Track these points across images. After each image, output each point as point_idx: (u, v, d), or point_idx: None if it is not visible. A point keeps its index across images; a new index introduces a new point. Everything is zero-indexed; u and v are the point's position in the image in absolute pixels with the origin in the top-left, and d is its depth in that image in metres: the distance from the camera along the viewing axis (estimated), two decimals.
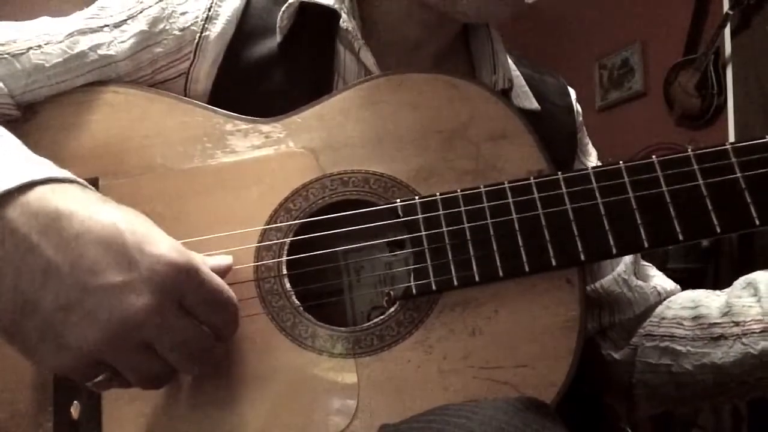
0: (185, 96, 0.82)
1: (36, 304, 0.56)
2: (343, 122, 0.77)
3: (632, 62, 3.73)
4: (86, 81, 0.80)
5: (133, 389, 0.63)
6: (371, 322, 0.71)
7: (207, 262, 0.66)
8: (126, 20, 0.82)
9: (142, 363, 0.60)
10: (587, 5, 3.99)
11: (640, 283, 0.97)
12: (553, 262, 0.69)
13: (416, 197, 0.73)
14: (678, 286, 0.99)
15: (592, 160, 1.01)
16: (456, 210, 0.71)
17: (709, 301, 0.88)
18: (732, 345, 0.81)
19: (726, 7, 3.08)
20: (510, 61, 0.94)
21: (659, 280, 0.99)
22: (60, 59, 0.79)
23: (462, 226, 0.71)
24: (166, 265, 0.58)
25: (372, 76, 0.80)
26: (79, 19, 0.83)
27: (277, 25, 0.84)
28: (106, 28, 0.82)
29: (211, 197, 0.75)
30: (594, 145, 1.04)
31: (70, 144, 0.77)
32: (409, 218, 0.72)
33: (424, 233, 0.71)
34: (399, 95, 0.77)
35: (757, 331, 0.79)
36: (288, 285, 0.72)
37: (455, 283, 0.70)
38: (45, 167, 0.62)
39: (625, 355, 0.94)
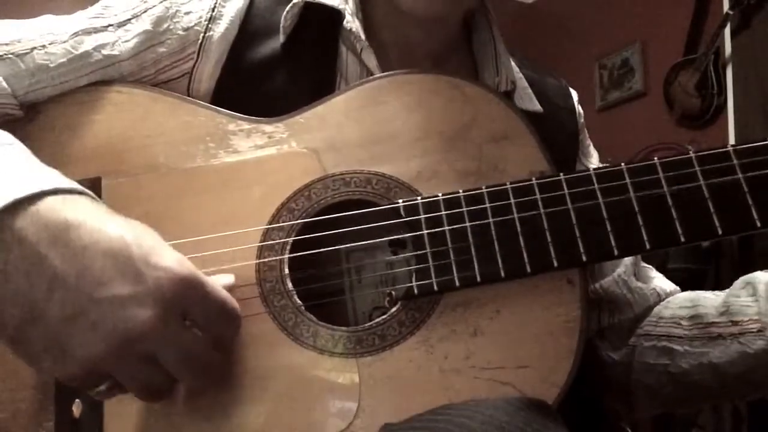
0: (188, 96, 0.82)
1: (42, 313, 0.56)
2: (345, 122, 0.77)
3: (632, 62, 3.73)
4: (90, 81, 0.80)
5: None
6: (373, 322, 0.71)
7: (212, 279, 0.66)
8: (130, 20, 0.82)
9: (145, 374, 0.60)
10: (587, 5, 3.99)
11: (640, 284, 0.97)
12: (555, 263, 0.69)
13: (418, 198, 0.73)
14: (678, 288, 0.99)
15: (594, 161, 1.01)
16: (458, 210, 0.72)
17: (708, 300, 0.88)
18: (729, 344, 0.81)
19: (726, 7, 3.08)
20: (513, 63, 0.94)
21: (659, 281, 0.99)
22: (64, 59, 0.79)
23: (464, 226, 0.71)
24: (171, 278, 0.59)
25: (374, 76, 0.80)
26: (83, 18, 0.83)
27: (281, 24, 0.84)
28: (110, 28, 0.82)
29: (214, 197, 0.75)
30: (594, 145, 1.04)
31: (74, 143, 0.77)
32: (411, 218, 0.72)
33: (426, 234, 0.71)
34: (401, 96, 0.77)
35: (754, 330, 0.79)
36: (290, 284, 0.72)
37: (457, 283, 0.70)
38: (55, 178, 0.63)
39: (623, 355, 0.94)
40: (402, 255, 0.76)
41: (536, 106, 0.92)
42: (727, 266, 2.55)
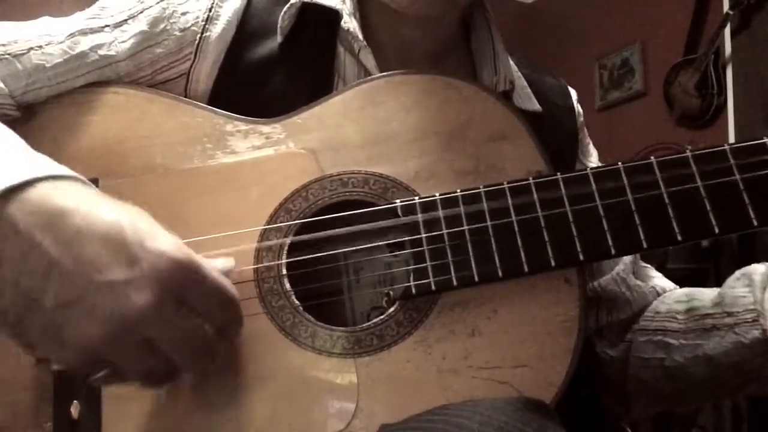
0: (186, 96, 0.83)
1: (38, 300, 0.56)
2: (342, 123, 0.77)
3: (632, 62, 3.73)
4: (87, 81, 0.80)
5: (134, 389, 0.63)
6: (371, 322, 0.71)
7: (210, 263, 0.66)
8: (126, 20, 0.82)
9: (143, 360, 0.60)
10: (587, 5, 3.99)
11: (638, 282, 0.97)
12: (552, 263, 0.69)
13: (416, 198, 0.73)
14: (677, 286, 0.99)
15: (593, 160, 1.01)
16: (455, 210, 0.72)
17: (703, 294, 0.88)
18: (724, 335, 0.80)
19: (726, 7, 3.08)
20: (511, 62, 0.94)
21: (658, 280, 0.99)
22: (61, 59, 0.79)
23: (462, 226, 0.71)
24: (167, 262, 0.58)
25: (372, 77, 0.80)
26: (80, 19, 0.83)
27: (278, 25, 0.84)
28: (107, 29, 0.82)
29: (212, 198, 0.75)
30: (594, 145, 1.04)
31: (71, 144, 0.77)
32: (408, 218, 0.72)
33: (423, 234, 0.71)
34: (398, 96, 0.77)
35: (749, 320, 0.78)
36: (288, 285, 0.72)
37: (454, 283, 0.70)
38: (46, 164, 0.62)
39: (619, 351, 0.94)
40: (400, 254, 0.76)
41: (535, 106, 0.92)
42: (728, 266, 2.55)
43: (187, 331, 0.60)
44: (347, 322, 0.78)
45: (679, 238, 0.69)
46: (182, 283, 0.59)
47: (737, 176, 0.69)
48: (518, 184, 0.72)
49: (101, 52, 0.81)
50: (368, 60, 0.84)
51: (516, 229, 0.70)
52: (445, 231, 0.71)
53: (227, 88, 0.83)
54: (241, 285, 0.71)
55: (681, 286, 0.99)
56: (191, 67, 0.83)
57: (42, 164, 0.62)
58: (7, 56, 0.78)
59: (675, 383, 0.87)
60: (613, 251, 0.69)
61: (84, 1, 0.86)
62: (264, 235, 0.73)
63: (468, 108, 0.77)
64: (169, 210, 0.74)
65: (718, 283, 0.87)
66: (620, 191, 0.70)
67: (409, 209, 0.72)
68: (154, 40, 0.82)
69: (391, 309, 0.71)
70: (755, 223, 0.68)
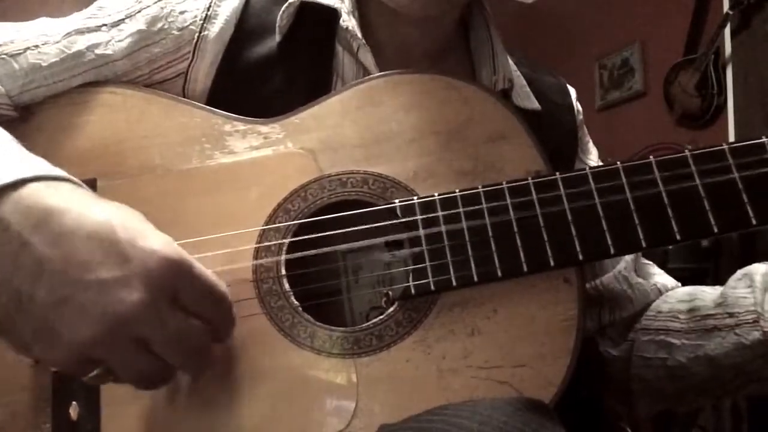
0: (184, 96, 0.83)
1: (30, 299, 0.56)
2: (341, 123, 0.77)
3: (632, 62, 3.73)
4: (84, 80, 0.80)
5: (132, 390, 0.63)
6: (370, 323, 0.71)
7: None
8: (124, 19, 0.82)
9: (136, 359, 0.59)
10: (587, 5, 3.99)
11: (640, 280, 0.97)
12: (552, 262, 0.69)
13: (415, 197, 0.73)
14: (679, 284, 0.99)
15: (593, 158, 1.01)
16: (454, 210, 0.71)
17: (705, 294, 0.88)
18: (725, 336, 0.80)
19: (726, 7, 3.08)
20: (510, 61, 0.94)
21: (660, 278, 0.99)
22: (57, 59, 0.79)
23: (461, 226, 0.71)
24: (158, 261, 0.58)
25: (370, 76, 0.80)
26: (77, 19, 0.83)
27: (277, 24, 0.84)
28: (103, 28, 0.82)
29: (210, 198, 0.75)
30: (594, 145, 1.04)
31: (68, 145, 0.77)
32: (407, 218, 0.72)
33: (422, 233, 0.71)
34: (397, 96, 0.77)
35: (750, 321, 0.78)
36: (287, 285, 0.72)
37: (454, 283, 0.70)
38: (38, 165, 0.63)
39: (622, 351, 0.94)
40: (399, 255, 0.76)
41: (534, 104, 0.92)
42: (728, 265, 2.55)
43: (180, 330, 0.60)
44: (346, 322, 0.78)
45: (678, 237, 0.68)
46: (174, 282, 0.59)
47: (736, 175, 0.69)
48: (517, 184, 0.72)
49: (98, 51, 0.81)
50: (367, 59, 0.84)
51: (515, 228, 0.70)
52: (444, 231, 0.71)
53: (225, 87, 0.83)
54: (240, 285, 0.71)
55: (682, 285, 0.99)
56: (189, 66, 0.83)
57: (35, 164, 0.62)
58: (3, 56, 0.78)
59: (677, 383, 0.87)
60: (612, 251, 0.69)
61: (84, 1, 0.86)
62: (263, 236, 0.73)
63: (467, 108, 0.77)
64: (168, 210, 0.74)
65: (717, 283, 0.87)
66: (619, 190, 0.70)
67: (408, 209, 0.72)
68: (152, 39, 0.82)
69: (391, 309, 0.71)
70: (754, 222, 0.68)
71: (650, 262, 1.02)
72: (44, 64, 0.78)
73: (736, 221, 0.68)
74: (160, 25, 0.82)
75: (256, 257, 0.73)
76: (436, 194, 0.72)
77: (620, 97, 3.80)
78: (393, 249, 0.76)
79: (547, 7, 4.26)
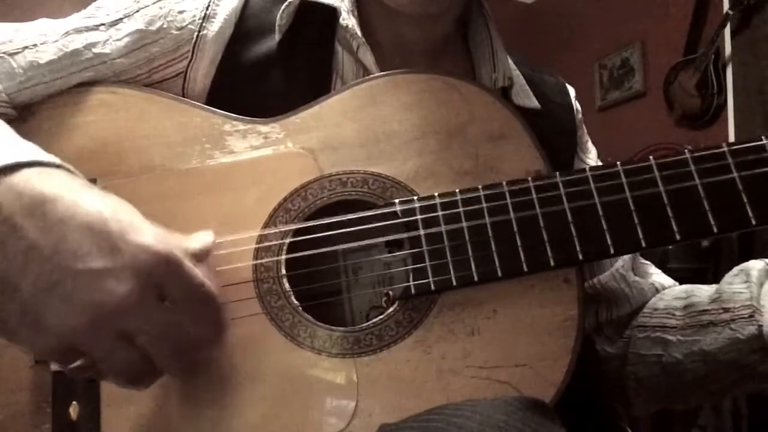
0: (183, 96, 0.83)
1: (17, 285, 0.56)
2: (341, 122, 0.77)
3: (632, 62, 3.73)
4: (82, 79, 0.80)
5: (132, 390, 0.63)
6: (370, 322, 0.71)
7: (189, 243, 0.65)
8: (122, 18, 0.82)
9: (119, 353, 0.59)
10: (587, 5, 4.00)
11: (638, 279, 0.97)
12: (552, 262, 0.69)
13: (415, 197, 0.73)
14: (676, 283, 0.99)
15: (592, 157, 1.01)
16: (454, 210, 0.72)
17: (702, 291, 0.88)
18: (721, 331, 0.80)
19: (726, 7, 3.08)
20: (510, 60, 0.94)
21: (657, 277, 0.99)
22: (55, 56, 0.79)
23: (461, 226, 0.71)
24: (148, 254, 0.58)
25: (370, 76, 0.80)
26: (76, 18, 0.83)
27: (276, 23, 0.84)
28: (101, 27, 0.82)
29: (210, 198, 0.75)
30: (594, 145, 1.04)
31: (68, 144, 0.77)
32: (407, 218, 0.72)
33: (422, 233, 0.71)
34: (397, 95, 0.77)
35: (746, 316, 0.78)
36: (287, 285, 0.72)
37: (454, 283, 0.70)
38: (32, 151, 0.62)
39: (618, 348, 0.95)
40: (399, 254, 0.76)
41: (534, 103, 0.92)
42: (727, 265, 2.54)
43: (165, 325, 0.60)
44: (346, 322, 0.78)
45: (678, 237, 0.69)
46: (163, 276, 0.59)
47: (735, 176, 0.69)
48: (517, 183, 0.72)
49: (95, 50, 0.80)
50: (367, 57, 0.84)
51: (515, 228, 0.70)
52: (444, 231, 0.71)
53: (225, 86, 0.83)
54: (240, 285, 0.71)
55: (681, 285, 0.99)
56: (188, 65, 0.83)
57: (29, 150, 0.62)
58: (2, 55, 0.78)
59: (672, 379, 0.87)
60: (611, 250, 0.69)
61: (85, 2, 0.86)
62: (263, 235, 0.73)
63: (467, 108, 0.77)
64: (168, 210, 0.74)
65: (717, 283, 0.87)
66: (619, 191, 0.70)
67: (409, 209, 0.72)
68: (151, 38, 0.82)
69: (391, 309, 0.71)
70: (754, 222, 0.68)
71: (648, 262, 1.02)
72: (42, 62, 0.78)
73: (736, 221, 0.68)
74: (158, 24, 0.82)
75: (256, 257, 0.73)
76: (436, 194, 0.72)
77: (620, 97, 3.80)
78: (393, 249, 0.76)
79: (547, 7, 4.26)
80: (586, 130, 1.03)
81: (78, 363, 0.60)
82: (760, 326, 0.77)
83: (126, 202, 0.62)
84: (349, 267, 0.78)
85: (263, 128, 0.77)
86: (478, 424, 0.57)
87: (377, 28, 0.88)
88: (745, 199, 0.68)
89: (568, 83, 1.04)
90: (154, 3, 0.83)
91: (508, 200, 0.71)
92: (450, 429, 0.58)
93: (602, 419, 0.91)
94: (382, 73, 0.80)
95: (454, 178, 0.74)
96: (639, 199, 0.70)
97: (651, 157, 0.71)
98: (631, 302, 0.95)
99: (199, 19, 0.83)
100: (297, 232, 0.73)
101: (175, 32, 0.82)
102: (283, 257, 0.73)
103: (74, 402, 0.70)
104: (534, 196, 0.71)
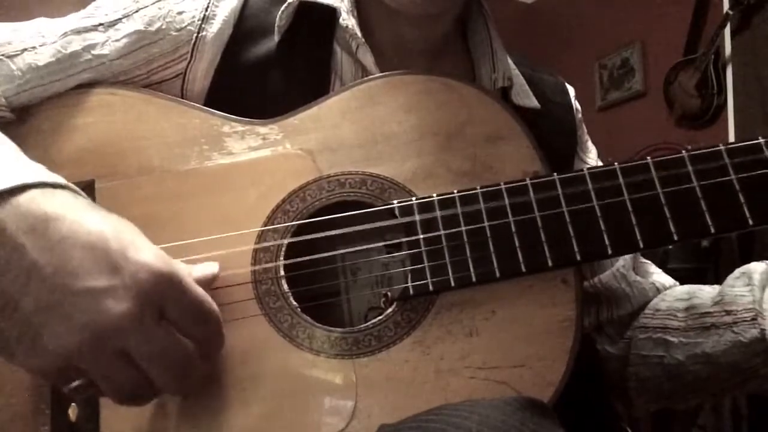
0: (182, 97, 0.82)
1: (17, 303, 0.56)
2: (340, 123, 0.77)
3: (632, 62, 3.73)
4: (80, 81, 0.80)
5: None
6: (369, 323, 0.71)
7: (193, 270, 0.66)
8: (121, 19, 0.82)
9: (118, 372, 0.59)
10: (587, 5, 4.00)
11: (638, 278, 0.97)
12: (550, 263, 0.69)
13: (413, 198, 0.73)
14: (677, 283, 0.99)
15: (592, 157, 1.02)
16: (453, 211, 0.72)
17: (704, 292, 0.88)
18: (723, 334, 0.80)
19: (726, 7, 3.09)
20: (509, 60, 0.94)
21: (658, 276, 0.99)
22: (53, 59, 0.79)
23: (459, 227, 0.71)
24: (149, 273, 0.58)
25: (369, 77, 0.80)
26: (74, 18, 0.83)
27: (276, 24, 0.84)
28: (100, 27, 0.82)
29: (209, 199, 0.75)
30: (594, 145, 1.04)
31: (67, 146, 0.77)
32: (406, 219, 0.72)
33: (421, 234, 0.71)
34: (396, 97, 0.77)
35: (748, 319, 0.78)
36: (285, 286, 0.72)
37: (452, 283, 0.70)
38: (38, 171, 0.62)
39: (619, 349, 0.95)
40: (397, 255, 0.76)
41: (533, 103, 0.92)
42: (727, 265, 2.55)
43: (165, 345, 0.59)
44: (344, 323, 0.78)
45: (675, 237, 0.69)
46: (163, 295, 0.59)
47: (733, 176, 0.69)
48: (515, 184, 0.72)
49: (94, 51, 0.80)
50: (366, 58, 0.84)
51: (513, 229, 0.70)
52: (442, 232, 0.71)
53: (224, 87, 0.83)
54: (238, 286, 0.71)
55: (681, 285, 0.99)
56: (187, 67, 0.83)
57: (34, 171, 0.62)
58: (0, 58, 0.78)
59: (674, 381, 0.87)
60: (609, 251, 0.69)
61: (84, 2, 0.86)
62: (261, 237, 0.73)
63: (465, 109, 0.77)
64: (166, 211, 0.74)
65: (717, 283, 0.87)
66: (616, 191, 0.70)
67: (407, 210, 0.72)
68: (150, 39, 0.82)
69: (389, 310, 0.71)
70: (750, 222, 0.68)
71: (649, 261, 1.02)
72: (40, 64, 0.78)
73: (733, 222, 0.68)
74: (157, 25, 0.82)
75: (254, 258, 0.73)
76: (434, 195, 0.72)
77: (620, 97, 3.80)
78: (391, 250, 0.76)
79: (547, 7, 4.26)
80: (585, 130, 1.03)
81: (76, 383, 0.60)
82: (763, 330, 0.77)
83: (128, 221, 0.62)
84: (347, 268, 0.78)
85: (262, 129, 0.77)
86: (476, 424, 0.57)
87: (376, 28, 0.88)
88: (743, 200, 0.68)
89: (568, 83, 1.04)
90: (154, 3, 0.83)
91: (506, 201, 0.71)
92: (448, 429, 0.58)
93: (602, 419, 0.91)
94: (380, 74, 0.80)
95: (452, 179, 0.75)
96: (636, 200, 0.70)
97: (648, 157, 0.71)
98: (632, 302, 0.95)
99: (198, 20, 0.83)
100: (295, 233, 0.73)
101: (174, 33, 0.82)
102: (282, 259, 0.72)
103: (73, 404, 0.70)
104: (532, 197, 0.71)
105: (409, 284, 0.70)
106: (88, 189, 0.74)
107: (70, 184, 0.63)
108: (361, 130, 0.77)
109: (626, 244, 0.69)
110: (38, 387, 0.71)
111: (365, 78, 0.81)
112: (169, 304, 0.60)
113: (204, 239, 0.72)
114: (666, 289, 0.97)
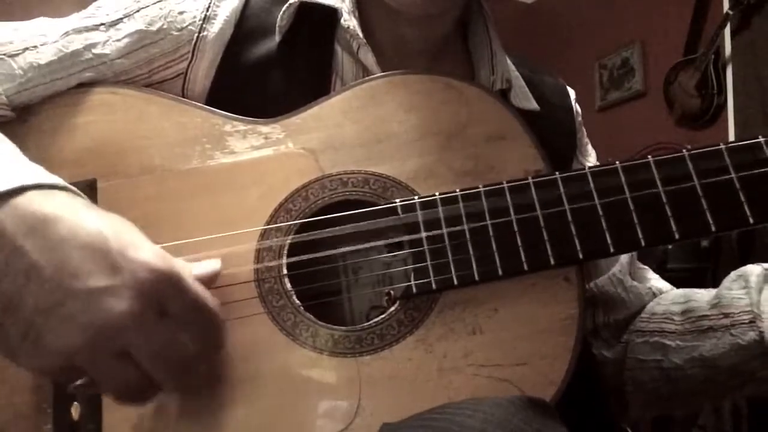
0: (183, 96, 0.83)
1: (18, 304, 0.56)
2: (342, 123, 0.77)
3: (632, 62, 3.73)
4: (81, 80, 0.80)
5: None
6: (372, 322, 0.71)
7: (194, 268, 0.66)
8: (122, 19, 0.82)
9: (119, 371, 0.59)
10: (587, 5, 4.00)
11: (635, 283, 0.96)
12: (552, 261, 0.70)
13: (415, 197, 0.73)
14: (674, 288, 0.99)
15: (591, 160, 1.01)
16: (455, 210, 0.72)
17: (700, 295, 0.88)
18: (721, 337, 0.80)
19: (726, 7, 3.09)
20: (509, 61, 0.94)
21: (655, 282, 0.99)
22: (54, 57, 0.79)
23: (461, 225, 0.71)
24: (148, 272, 0.58)
25: (370, 77, 0.80)
26: (75, 18, 0.83)
27: (277, 24, 0.84)
28: (101, 27, 0.82)
29: (211, 198, 0.75)
30: (594, 145, 1.04)
31: (68, 145, 0.77)
32: (408, 218, 0.72)
33: (423, 233, 0.71)
34: (397, 96, 0.78)
35: (746, 321, 0.78)
36: (288, 285, 0.72)
37: (455, 282, 0.70)
38: (36, 172, 0.62)
39: (616, 353, 0.94)
40: (400, 254, 0.76)
41: (533, 105, 0.92)
42: (727, 266, 2.54)
43: (166, 343, 0.59)
44: (346, 322, 0.78)
45: (677, 236, 0.69)
46: (163, 294, 0.59)
47: (733, 175, 0.69)
48: (517, 183, 0.72)
49: (95, 50, 0.80)
50: (367, 58, 0.84)
51: (515, 228, 0.70)
52: (445, 230, 0.71)
53: (225, 87, 0.83)
54: (241, 285, 0.71)
55: (680, 286, 0.98)
56: (188, 66, 0.83)
57: (32, 172, 0.62)
58: (2, 56, 0.78)
59: (672, 384, 0.87)
60: (611, 249, 0.69)
61: (85, 2, 0.86)
62: (264, 236, 0.73)
63: (467, 108, 0.77)
64: (168, 211, 0.74)
65: (717, 284, 0.87)
66: (618, 190, 0.70)
67: (409, 209, 0.72)
68: (151, 39, 0.82)
69: (392, 308, 0.71)
70: (751, 220, 0.68)
71: (646, 267, 1.02)
72: (42, 63, 0.78)
73: (734, 220, 0.69)
74: (158, 25, 0.82)
75: (257, 257, 0.73)
76: (436, 194, 0.73)
77: (620, 97, 3.80)
78: (393, 248, 0.76)
79: (547, 7, 4.26)
80: (585, 133, 1.03)
81: (79, 382, 0.60)
82: (761, 332, 0.77)
83: (128, 221, 0.62)
84: (350, 267, 0.78)
85: (264, 129, 0.77)
86: (480, 422, 0.58)
87: (377, 28, 0.88)
88: (743, 198, 0.68)
89: (568, 83, 1.04)
90: (155, 3, 0.83)
91: (509, 200, 0.71)
92: (452, 428, 0.58)
93: (602, 419, 0.91)
94: (382, 73, 0.81)
95: (454, 178, 0.75)
96: (638, 198, 0.70)
97: (650, 156, 0.71)
98: (628, 307, 0.95)
99: (199, 20, 0.83)
100: (298, 232, 0.73)
101: (176, 33, 0.82)
102: (285, 257, 0.72)
103: (76, 402, 0.70)
104: (534, 195, 0.71)
105: (412, 283, 0.70)
106: (90, 188, 0.74)
107: (69, 185, 0.63)
108: (363, 129, 0.77)
109: (628, 242, 0.69)
110: (40, 386, 0.71)
111: (367, 78, 0.81)
112: (170, 303, 0.60)
113: (206, 238, 0.72)
114: (662, 293, 0.97)
